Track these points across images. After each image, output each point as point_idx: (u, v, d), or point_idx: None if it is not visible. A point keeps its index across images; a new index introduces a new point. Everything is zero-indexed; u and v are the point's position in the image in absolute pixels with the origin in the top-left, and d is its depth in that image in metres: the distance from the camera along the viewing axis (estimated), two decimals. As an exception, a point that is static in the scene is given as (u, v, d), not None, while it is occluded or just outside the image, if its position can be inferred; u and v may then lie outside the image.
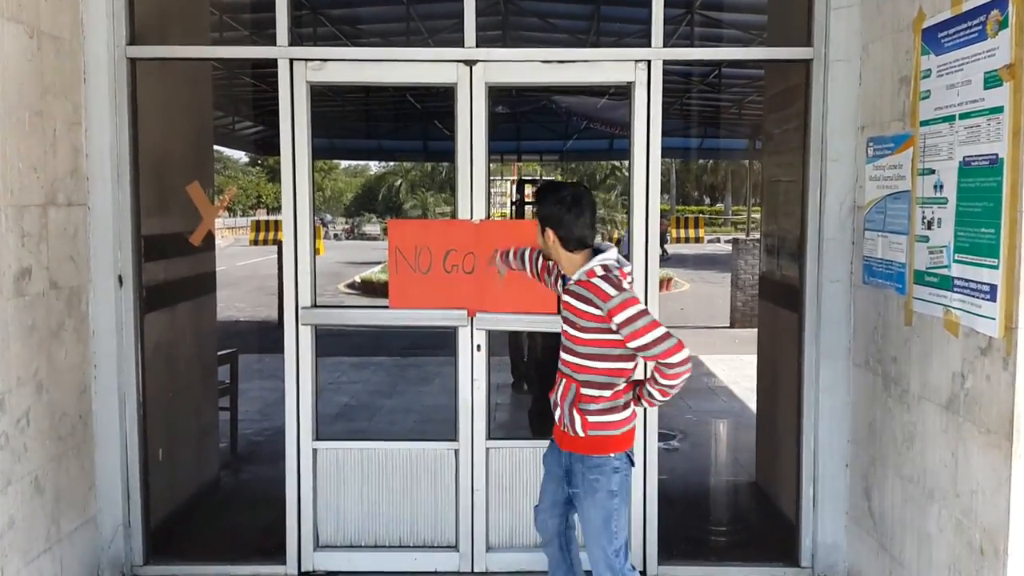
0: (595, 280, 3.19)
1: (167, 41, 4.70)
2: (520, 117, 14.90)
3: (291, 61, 4.34)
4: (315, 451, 4.46)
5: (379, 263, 24.48)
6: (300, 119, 4.36)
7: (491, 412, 4.52)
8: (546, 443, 4.08)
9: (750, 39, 7.64)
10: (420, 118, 15.18)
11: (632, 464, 3.39)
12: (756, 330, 13.98)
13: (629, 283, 3.26)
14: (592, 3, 8.12)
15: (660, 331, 3.12)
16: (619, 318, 3.12)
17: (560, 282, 3.47)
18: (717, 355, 11.07)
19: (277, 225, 19.90)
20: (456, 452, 4.47)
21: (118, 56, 4.34)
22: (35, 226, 3.83)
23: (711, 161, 45.61)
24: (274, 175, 27.03)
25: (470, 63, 4.31)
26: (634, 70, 4.28)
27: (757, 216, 31.66)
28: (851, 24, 4.18)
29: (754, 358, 10.78)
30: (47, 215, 3.94)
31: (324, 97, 13.37)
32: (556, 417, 3.43)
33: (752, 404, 8.27)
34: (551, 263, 3.55)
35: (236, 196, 41.93)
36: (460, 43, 4.34)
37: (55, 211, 4.01)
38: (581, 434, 3.31)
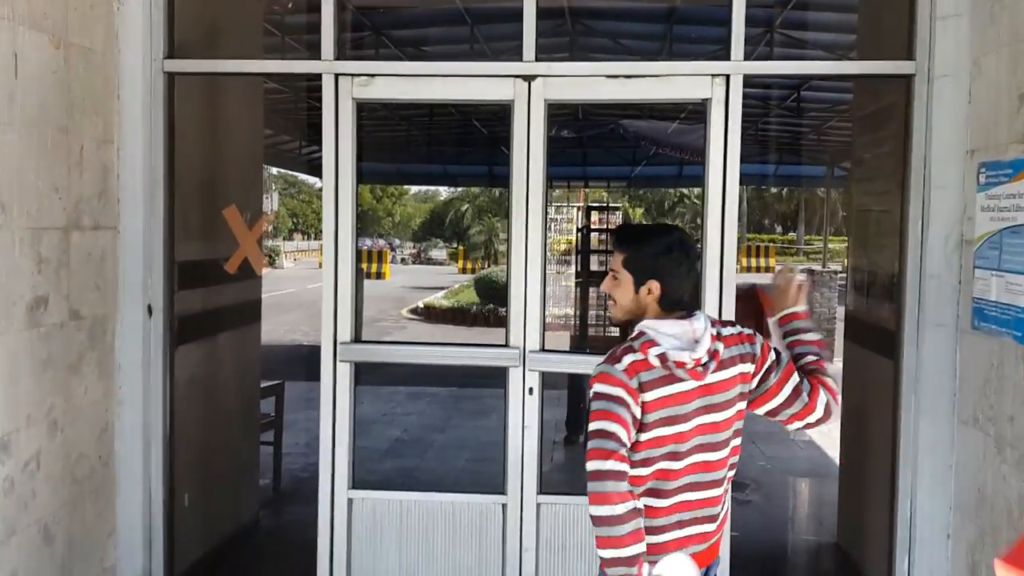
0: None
1: (213, 56, 4.42)
2: (586, 142, 14.51)
3: (336, 76, 4.01)
4: (350, 501, 4.08)
5: (443, 288, 24.32)
6: (345, 138, 4.02)
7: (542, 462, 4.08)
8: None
9: (835, 59, 7.14)
10: (485, 143, 14.92)
11: None
12: (831, 366, 13.51)
13: (661, 368, 2.35)
14: (666, 22, 7.69)
15: (596, 427, 2.30)
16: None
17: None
18: (793, 394, 10.42)
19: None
20: (504, 507, 4.04)
21: (155, 70, 4.07)
22: (54, 251, 3.55)
23: (784, 189, 44.56)
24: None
25: (528, 78, 3.93)
26: (711, 85, 3.84)
27: (833, 246, 30.75)
28: (959, 35, 3.69)
29: (832, 399, 10.30)
30: (69, 239, 3.66)
31: (388, 121, 13.21)
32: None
33: (833, 452, 7.70)
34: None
35: (272, 221, 42.25)
36: (519, 57, 3.97)
37: (79, 235, 3.73)
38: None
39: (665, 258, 2.46)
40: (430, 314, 19.70)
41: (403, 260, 43.40)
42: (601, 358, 2.39)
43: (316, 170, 16.20)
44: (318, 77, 4.05)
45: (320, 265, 4.21)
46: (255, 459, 5.66)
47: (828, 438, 7.97)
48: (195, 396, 4.58)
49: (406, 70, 4.09)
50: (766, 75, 4.28)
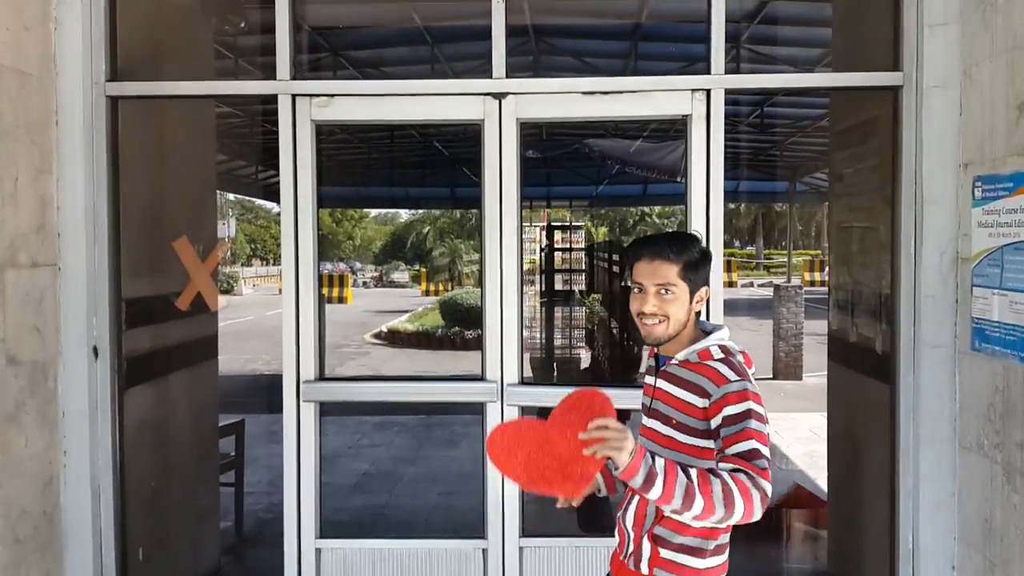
0: (712, 363, 2.30)
1: (159, 78, 4.14)
2: (549, 162, 14.36)
3: (293, 97, 3.77)
4: (319, 551, 3.80)
5: (406, 311, 23.99)
6: (304, 162, 3.77)
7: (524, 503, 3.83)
8: (590, 540, 3.43)
9: (816, 72, 7.00)
10: (447, 164, 14.70)
11: None
12: (801, 382, 13.40)
13: (753, 374, 2.33)
14: (631, 39, 7.54)
15: (761, 450, 2.15)
16: (728, 410, 2.20)
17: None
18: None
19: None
20: (484, 552, 3.78)
21: (96, 94, 3.80)
22: (-13, 292, 3.25)
23: (741, 204, 44.90)
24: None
25: (499, 96, 3.72)
26: (691, 101, 3.65)
27: (797, 261, 30.90)
28: (949, 44, 3.54)
29: (807, 417, 10.18)
30: (4, 279, 3.35)
31: (348, 144, 12.94)
32: (617, 542, 2.50)
33: (811, 471, 7.54)
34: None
35: (228, 249, 41.56)
36: (488, 75, 3.75)
37: (15, 274, 3.42)
38: (645, 572, 2.36)
39: (706, 262, 2.40)
40: (394, 338, 19.36)
41: (365, 284, 42.92)
42: (731, 372, 2.26)
43: (273, 195, 15.89)
44: (274, 99, 3.80)
45: (280, 291, 4.01)
46: (215, 503, 5.34)
47: (810, 459, 7.82)
48: (147, 441, 4.27)
49: (368, 89, 3.85)
50: (747, 89, 4.09)
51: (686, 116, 3.68)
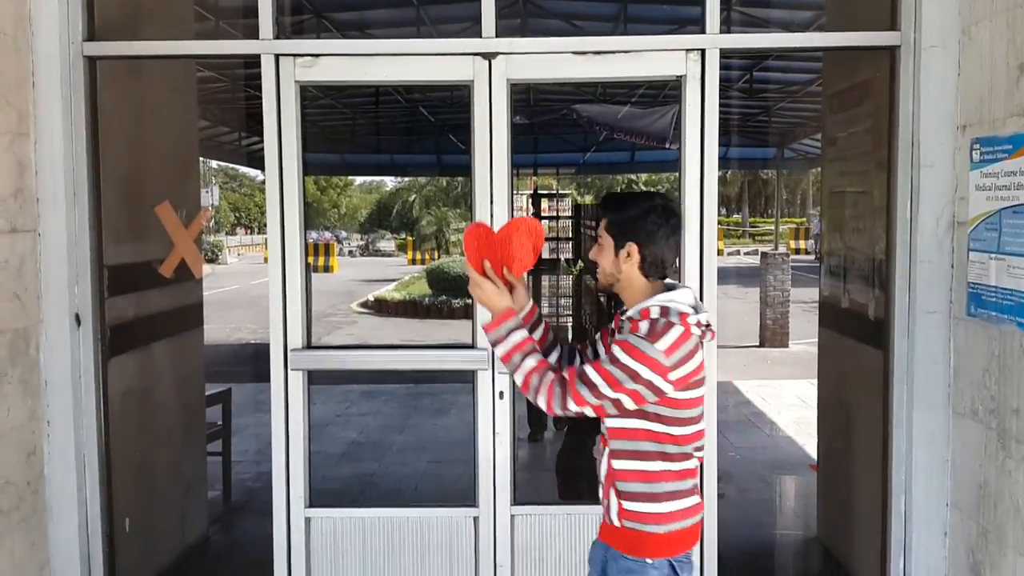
0: (643, 321, 2.39)
1: (139, 39, 4.02)
2: (537, 128, 14.21)
3: (277, 57, 3.66)
4: (308, 520, 3.75)
5: (393, 280, 23.89)
6: (288, 125, 3.67)
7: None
8: (582, 508, 3.37)
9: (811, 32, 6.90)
10: (433, 131, 14.53)
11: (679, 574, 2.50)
12: (787, 349, 13.42)
13: (698, 338, 2.40)
14: (621, 1, 7.42)
15: (594, 380, 2.34)
16: (614, 349, 2.35)
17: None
18: (752, 380, 10.27)
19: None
20: (476, 520, 3.75)
21: (73, 54, 3.68)
22: (-36, 258, 3.16)
23: (728, 171, 44.81)
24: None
25: (489, 56, 3.62)
26: (685, 61, 3.57)
27: (784, 229, 30.85)
28: (947, 2, 3.46)
29: (793, 384, 10.19)
30: (-19, 245, 3.27)
31: (333, 110, 12.77)
32: (599, 495, 2.62)
33: (798, 437, 7.56)
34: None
35: (212, 216, 41.07)
36: (477, 34, 3.66)
37: (-8, 239, 3.34)
38: (616, 523, 2.51)
39: (643, 221, 2.46)
40: (381, 307, 19.26)
41: (350, 252, 42.70)
42: (643, 331, 2.35)
43: (257, 162, 15.72)
44: (257, 60, 3.69)
45: (266, 260, 3.94)
46: (202, 472, 5.29)
47: (798, 426, 7.84)
48: (132, 410, 4.20)
49: (354, 49, 3.73)
50: (742, 49, 4.00)
51: (680, 77, 3.60)
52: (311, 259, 26.22)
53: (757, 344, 13.81)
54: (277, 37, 3.69)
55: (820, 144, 5.84)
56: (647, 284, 2.49)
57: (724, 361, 4.93)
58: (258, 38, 3.68)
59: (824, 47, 4.20)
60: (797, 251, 28.32)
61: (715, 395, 3.68)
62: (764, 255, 15.25)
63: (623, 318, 2.49)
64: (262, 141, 3.67)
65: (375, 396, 9.50)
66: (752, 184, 54.69)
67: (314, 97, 11.68)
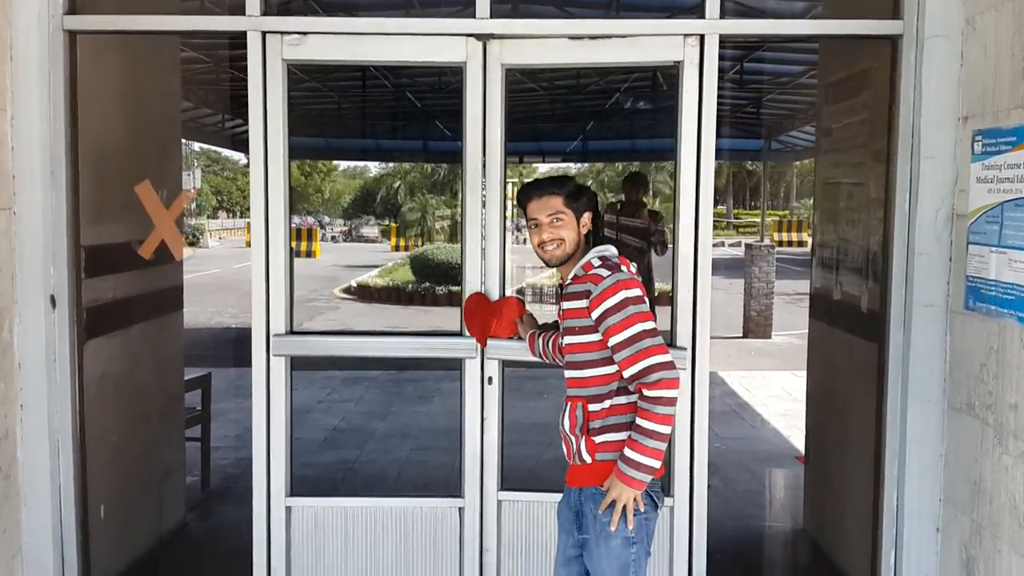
0: (592, 271, 2.75)
1: (123, 11, 3.88)
2: (537, 115, 13.98)
3: (263, 35, 3.56)
4: (288, 510, 3.67)
5: (376, 267, 23.75)
6: (274, 106, 3.57)
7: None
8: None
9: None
10: (420, 116, 14.37)
11: (658, 504, 2.80)
12: (770, 340, 13.42)
13: (635, 270, 2.82)
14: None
15: (644, 328, 2.62)
16: (599, 309, 2.66)
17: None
18: (736, 371, 10.25)
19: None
20: (460, 511, 3.68)
21: (53, 28, 3.55)
22: (-65, 236, 3.04)
23: (717, 162, 44.71)
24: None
25: (483, 38, 3.53)
26: (683, 46, 3.48)
27: (770, 220, 30.86)
28: (951, -9, 3.40)
29: (778, 376, 10.18)
30: (-47, 222, 3.15)
31: (318, 92, 12.59)
32: (565, 451, 2.89)
33: (784, 429, 7.52)
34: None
35: (194, 198, 40.59)
36: (471, 15, 3.56)
37: (-35, 216, 3.22)
38: (588, 460, 2.76)
39: (586, 193, 2.89)
40: (364, 293, 19.14)
41: (333, 238, 42.50)
42: (605, 270, 2.71)
43: (241, 145, 15.53)
44: (243, 38, 3.58)
45: (248, 244, 3.86)
46: (180, 458, 5.18)
47: (784, 418, 7.81)
48: (109, 394, 4.09)
49: (344, 27, 3.63)
50: (740, 36, 3.93)
51: (678, 63, 3.52)
52: (293, 243, 25.98)
53: (741, 335, 13.80)
54: (264, 14, 3.58)
55: (813, 135, 5.78)
56: (583, 248, 2.85)
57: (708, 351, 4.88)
58: (244, 14, 3.57)
59: (826, 35, 4.11)
60: (781, 243, 28.35)
61: (706, 385, 3.64)
62: (749, 246, 15.24)
63: (569, 280, 2.83)
64: (246, 123, 3.57)
65: (357, 383, 9.41)
66: (736, 176, 54.77)
67: (299, 79, 11.51)
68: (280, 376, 3.62)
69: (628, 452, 2.62)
